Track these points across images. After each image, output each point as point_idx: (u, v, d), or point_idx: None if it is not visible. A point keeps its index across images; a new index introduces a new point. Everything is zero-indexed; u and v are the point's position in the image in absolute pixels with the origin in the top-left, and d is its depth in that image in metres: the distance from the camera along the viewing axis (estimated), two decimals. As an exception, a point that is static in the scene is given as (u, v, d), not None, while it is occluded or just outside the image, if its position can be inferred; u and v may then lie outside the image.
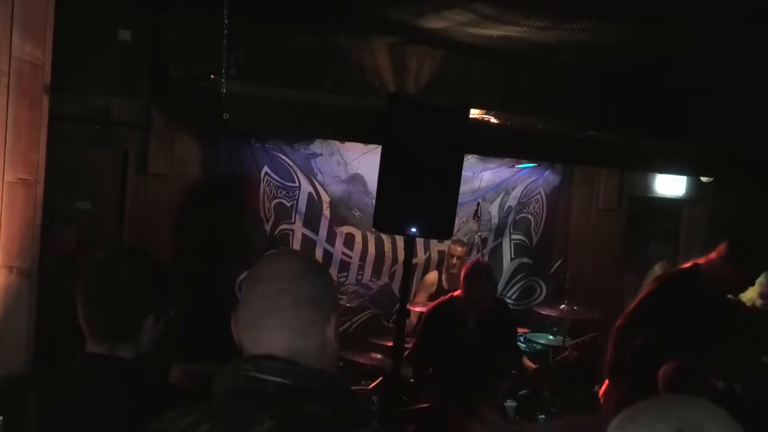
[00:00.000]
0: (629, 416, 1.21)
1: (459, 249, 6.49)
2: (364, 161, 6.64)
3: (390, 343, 5.23)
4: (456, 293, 4.85)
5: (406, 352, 4.91)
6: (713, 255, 4.35)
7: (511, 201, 7.48)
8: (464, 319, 4.72)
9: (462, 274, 4.78)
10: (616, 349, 4.48)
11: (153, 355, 2.00)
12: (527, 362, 5.64)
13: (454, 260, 6.45)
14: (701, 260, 4.45)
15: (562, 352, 5.93)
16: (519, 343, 5.89)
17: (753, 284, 4.69)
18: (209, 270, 6.01)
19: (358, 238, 6.81)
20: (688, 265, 4.54)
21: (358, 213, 6.75)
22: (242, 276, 6.27)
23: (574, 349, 4.69)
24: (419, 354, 4.79)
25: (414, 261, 6.84)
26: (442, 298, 5.10)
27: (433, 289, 6.54)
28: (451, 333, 4.70)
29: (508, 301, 7.03)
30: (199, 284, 5.75)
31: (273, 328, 1.46)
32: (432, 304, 5.18)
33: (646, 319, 4.44)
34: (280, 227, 6.49)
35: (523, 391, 5.55)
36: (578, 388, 6.20)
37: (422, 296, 6.51)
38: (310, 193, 6.58)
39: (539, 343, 6.49)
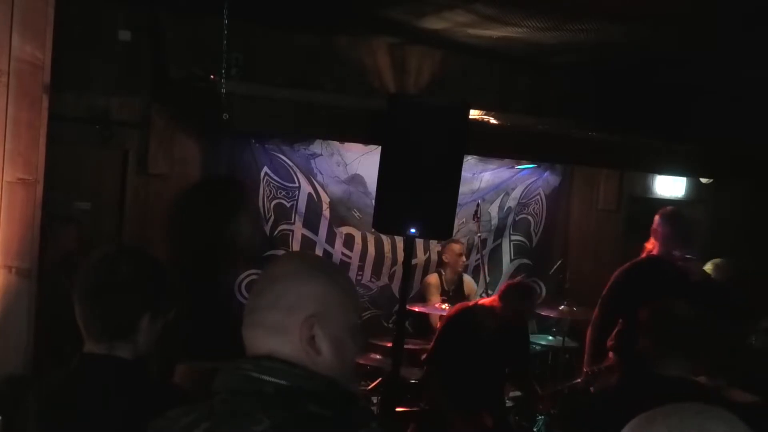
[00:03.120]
0: (644, 422, 1.20)
1: (460, 247, 6.53)
2: (364, 161, 6.64)
3: (390, 344, 5.23)
4: (481, 301, 4.86)
5: (423, 356, 4.92)
6: (651, 237, 4.68)
7: (511, 202, 7.48)
8: (483, 328, 4.71)
9: (506, 290, 4.77)
10: (593, 344, 4.57)
11: (154, 355, 2.00)
12: (534, 385, 5.60)
13: (463, 259, 6.50)
14: (646, 252, 4.69)
15: (575, 377, 5.88)
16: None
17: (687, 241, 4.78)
18: (209, 270, 6.01)
19: (358, 239, 6.81)
20: (643, 255, 4.73)
21: (358, 213, 6.75)
22: (241, 276, 6.28)
23: (588, 376, 4.68)
24: (434, 358, 4.79)
25: (414, 262, 6.84)
26: (465, 304, 5.09)
27: (440, 290, 6.55)
28: (468, 341, 4.70)
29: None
30: (198, 285, 5.75)
31: (253, 328, 1.47)
32: (452, 310, 5.18)
33: (616, 303, 4.59)
34: (280, 227, 6.49)
35: (519, 393, 5.53)
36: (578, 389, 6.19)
37: (437, 298, 6.46)
38: (309, 194, 6.58)
39: (539, 344, 6.49)
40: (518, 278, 5.35)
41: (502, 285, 4.97)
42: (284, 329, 1.45)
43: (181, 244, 5.94)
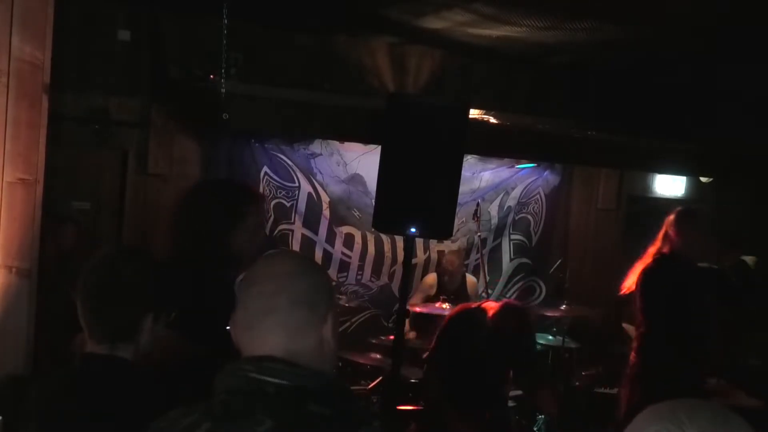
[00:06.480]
0: (644, 419, 1.19)
1: (456, 261, 6.49)
2: (364, 161, 6.64)
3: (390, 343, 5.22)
4: (484, 304, 4.83)
5: (425, 355, 4.90)
6: (660, 237, 4.42)
7: (511, 201, 7.48)
8: (485, 329, 4.67)
9: (503, 310, 4.61)
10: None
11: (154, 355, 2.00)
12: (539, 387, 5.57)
13: (447, 276, 6.47)
14: (654, 248, 4.47)
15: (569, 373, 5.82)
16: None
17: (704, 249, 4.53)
18: (209, 270, 6.00)
19: (358, 238, 6.81)
20: (653, 252, 4.50)
21: (358, 213, 6.75)
22: (240, 277, 6.26)
23: (586, 379, 4.64)
24: (434, 357, 4.77)
25: (413, 261, 6.84)
26: (468, 305, 5.06)
27: (432, 291, 6.51)
28: (468, 342, 4.67)
29: (508, 301, 7.01)
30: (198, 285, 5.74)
31: (269, 328, 1.47)
32: (455, 309, 5.15)
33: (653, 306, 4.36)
34: (280, 227, 6.49)
35: (519, 392, 5.52)
36: (578, 389, 6.20)
37: (418, 297, 6.45)
38: (309, 193, 6.58)
39: (539, 344, 6.48)
40: (514, 301, 5.23)
41: (499, 303, 4.84)
42: (308, 325, 1.48)
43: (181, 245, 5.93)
